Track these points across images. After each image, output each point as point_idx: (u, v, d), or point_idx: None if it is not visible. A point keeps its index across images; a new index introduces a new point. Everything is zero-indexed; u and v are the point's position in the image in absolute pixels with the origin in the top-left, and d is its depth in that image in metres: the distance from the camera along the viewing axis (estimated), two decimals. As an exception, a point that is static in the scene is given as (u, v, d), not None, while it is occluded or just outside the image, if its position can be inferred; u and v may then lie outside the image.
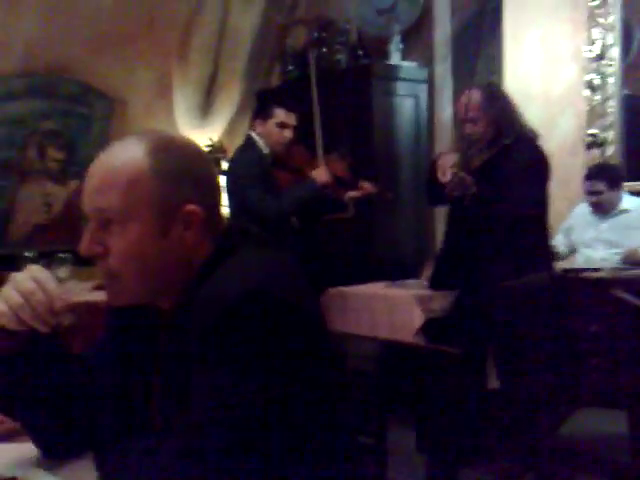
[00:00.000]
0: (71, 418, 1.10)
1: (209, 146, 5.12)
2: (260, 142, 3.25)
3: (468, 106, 2.83)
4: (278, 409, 0.90)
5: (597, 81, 4.17)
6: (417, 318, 3.10)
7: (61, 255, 3.61)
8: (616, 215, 3.42)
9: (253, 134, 3.30)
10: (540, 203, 2.78)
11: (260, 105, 3.38)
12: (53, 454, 1.12)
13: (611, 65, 4.15)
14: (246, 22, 4.95)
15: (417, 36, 4.23)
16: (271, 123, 3.21)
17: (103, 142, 4.89)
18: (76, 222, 4.86)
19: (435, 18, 4.16)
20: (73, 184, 4.82)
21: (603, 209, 3.43)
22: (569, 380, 2.47)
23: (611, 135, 4.04)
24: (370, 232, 3.98)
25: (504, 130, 2.83)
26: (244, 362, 0.89)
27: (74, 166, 4.79)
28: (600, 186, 3.37)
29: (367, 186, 3.30)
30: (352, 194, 3.31)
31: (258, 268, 1.01)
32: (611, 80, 4.12)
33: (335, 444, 1.02)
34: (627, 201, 3.45)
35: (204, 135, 5.24)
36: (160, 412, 1.00)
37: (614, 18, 4.14)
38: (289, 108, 3.24)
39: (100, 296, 3.49)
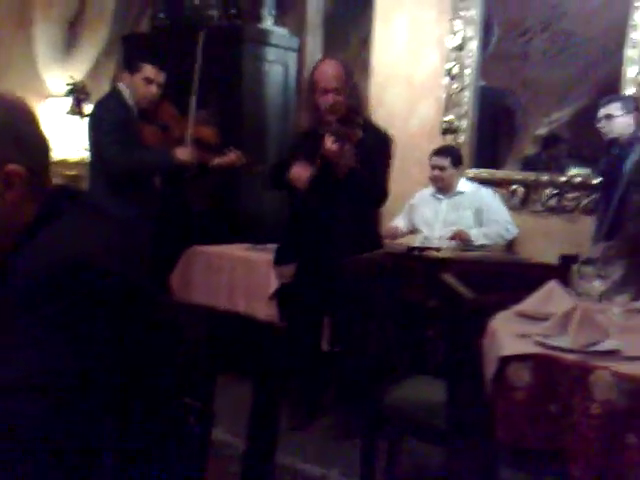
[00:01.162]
0: None
1: (70, 84, 4.92)
2: (125, 93, 3.22)
3: (333, 76, 2.82)
4: (94, 374, 0.95)
5: (456, 70, 4.36)
6: (273, 282, 3.27)
7: None
8: (453, 196, 3.73)
9: (120, 84, 3.26)
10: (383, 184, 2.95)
11: (129, 57, 3.30)
12: None
13: (470, 56, 4.36)
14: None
15: (291, 4, 4.28)
16: (138, 77, 3.20)
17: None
18: None
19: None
20: None
21: (443, 185, 3.72)
22: (399, 349, 2.73)
23: (465, 123, 4.27)
24: (237, 193, 4.03)
25: (358, 109, 2.85)
26: (62, 327, 0.93)
27: None
28: (445, 162, 3.67)
29: (235, 155, 3.35)
30: (218, 161, 3.35)
31: (81, 235, 1.02)
32: (468, 71, 4.29)
33: (155, 407, 1.09)
34: (463, 185, 3.78)
35: (66, 73, 5.02)
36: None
37: (475, 12, 4.35)
38: (159, 65, 3.23)
39: None
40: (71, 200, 1.08)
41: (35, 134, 1.07)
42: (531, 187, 4.04)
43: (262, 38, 4.14)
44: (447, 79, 4.29)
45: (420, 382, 2.43)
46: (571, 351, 1.64)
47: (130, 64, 3.27)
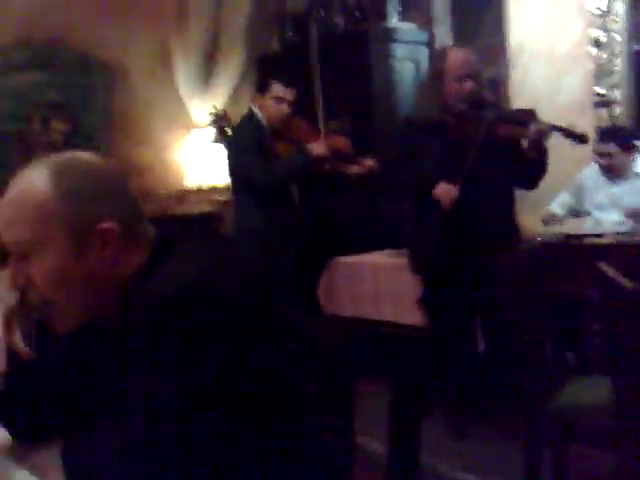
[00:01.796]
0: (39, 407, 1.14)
1: (212, 113, 5.11)
2: (259, 115, 3.28)
3: (469, 62, 2.83)
4: (222, 402, 0.93)
5: (603, 38, 4.04)
6: (417, 287, 3.14)
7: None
8: (631, 179, 3.31)
9: (253, 107, 3.33)
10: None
11: (259, 78, 3.37)
12: (24, 439, 1.17)
13: (617, 22, 4.02)
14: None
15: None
16: (268, 97, 3.25)
17: (107, 112, 4.92)
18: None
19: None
20: (78, 155, 4.87)
21: (614, 172, 3.32)
22: (561, 348, 2.49)
23: (618, 94, 3.93)
24: (374, 200, 3.96)
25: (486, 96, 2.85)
26: (185, 358, 0.92)
27: (78, 138, 4.82)
28: (611, 148, 3.27)
29: (370, 163, 3.30)
30: (355, 170, 3.32)
31: (193, 266, 1.02)
32: (617, 37, 3.99)
33: (295, 426, 1.05)
34: (638, 164, 3.33)
35: (208, 102, 5.23)
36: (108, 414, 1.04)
37: None
38: (287, 83, 3.25)
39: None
40: (176, 244, 1.09)
41: (118, 187, 1.09)
42: None
43: (388, 36, 4.05)
44: (594, 49, 3.97)
45: (585, 382, 2.19)
46: None
47: (260, 85, 3.33)
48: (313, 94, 3.36)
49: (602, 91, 4.02)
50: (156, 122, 5.18)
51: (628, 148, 3.29)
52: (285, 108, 3.24)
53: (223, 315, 0.96)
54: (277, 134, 3.30)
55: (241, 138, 3.25)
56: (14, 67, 4.34)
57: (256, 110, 3.29)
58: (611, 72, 4.00)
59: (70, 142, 4.79)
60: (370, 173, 3.33)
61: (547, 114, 3.90)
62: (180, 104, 5.25)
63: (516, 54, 4.16)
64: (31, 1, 4.20)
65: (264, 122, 3.27)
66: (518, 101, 4.07)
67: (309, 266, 3.63)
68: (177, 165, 5.31)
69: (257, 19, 4.94)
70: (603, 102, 3.98)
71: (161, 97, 5.12)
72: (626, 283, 1.64)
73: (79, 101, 4.74)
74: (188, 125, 5.29)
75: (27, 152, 4.63)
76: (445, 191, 2.75)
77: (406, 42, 4.09)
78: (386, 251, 3.59)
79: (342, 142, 3.40)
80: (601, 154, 3.30)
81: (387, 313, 3.32)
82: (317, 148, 3.21)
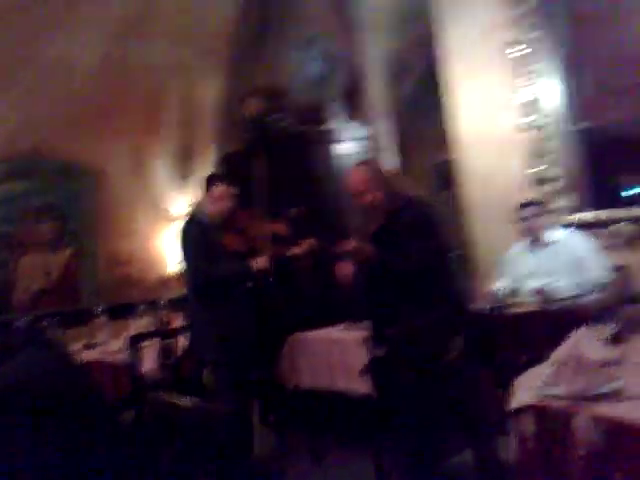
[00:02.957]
0: None
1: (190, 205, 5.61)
2: (202, 213, 3.58)
3: (358, 181, 3.16)
4: None
5: (533, 123, 4.39)
6: (363, 358, 3.50)
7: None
8: (548, 245, 3.75)
9: (198, 204, 3.68)
10: (436, 254, 3.12)
11: (204, 179, 3.72)
12: None
13: (542, 108, 4.43)
14: (211, 93, 5.45)
15: (355, 100, 4.66)
16: (210, 196, 3.57)
17: (91, 211, 5.42)
18: (74, 285, 5.38)
19: (367, 80, 4.59)
20: (67, 252, 5.34)
21: (535, 233, 3.75)
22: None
23: (553, 172, 4.29)
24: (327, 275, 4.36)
25: (391, 197, 3.13)
26: None
27: (67, 235, 5.32)
28: (534, 210, 3.75)
29: (308, 243, 3.65)
30: (294, 251, 3.66)
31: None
32: (544, 122, 4.34)
33: None
34: (557, 233, 3.78)
35: (186, 196, 5.74)
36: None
37: (538, 67, 4.42)
38: (228, 182, 3.60)
39: (87, 356, 3.95)
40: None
41: None
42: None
43: (330, 136, 4.55)
44: (529, 132, 4.34)
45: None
46: (567, 398, 1.73)
47: (203, 185, 3.65)
48: (258, 188, 3.71)
49: (539, 170, 4.36)
50: (139, 217, 5.68)
51: (544, 210, 3.79)
52: (227, 203, 3.55)
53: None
54: (223, 227, 3.59)
55: (187, 235, 3.51)
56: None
57: (199, 209, 3.61)
58: (544, 153, 4.32)
59: (61, 240, 5.29)
60: (310, 251, 3.65)
61: (492, 194, 4.35)
62: (158, 201, 5.76)
63: (460, 142, 4.60)
64: (11, 119, 4.70)
65: (208, 219, 3.55)
66: (466, 182, 4.52)
67: (268, 341, 3.97)
68: (160, 254, 5.78)
69: (221, 125, 5.49)
70: (541, 180, 4.32)
71: (141, 194, 5.64)
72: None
73: (65, 203, 5.24)
74: (167, 218, 5.78)
75: (22, 251, 5.12)
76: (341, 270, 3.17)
77: (346, 140, 4.59)
78: (343, 324, 3.91)
79: (280, 227, 3.74)
80: (524, 218, 3.74)
81: (341, 384, 3.65)
82: (259, 263, 3.51)
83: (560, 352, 2.10)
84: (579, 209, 4.21)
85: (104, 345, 4.13)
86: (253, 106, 4.89)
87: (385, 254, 3.04)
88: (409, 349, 3.07)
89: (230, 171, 4.98)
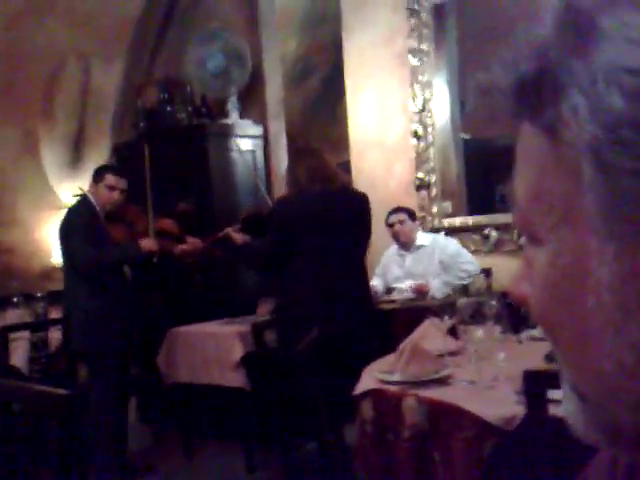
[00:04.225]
0: None
1: (76, 195, 5.43)
2: (92, 200, 3.60)
3: None
4: None
5: (421, 131, 4.71)
6: (237, 352, 3.53)
7: None
8: (416, 250, 3.96)
9: (87, 193, 3.65)
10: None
11: (95, 169, 3.72)
12: None
13: (429, 117, 4.71)
14: (108, 81, 5.33)
15: (253, 96, 4.69)
16: (101, 185, 3.58)
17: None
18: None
19: (266, 80, 4.64)
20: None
21: (405, 238, 3.94)
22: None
23: (434, 178, 4.60)
24: (213, 273, 4.35)
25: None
26: None
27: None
28: (402, 216, 3.94)
29: (193, 241, 3.67)
30: (180, 247, 3.68)
31: None
32: (430, 130, 4.67)
33: None
34: (423, 238, 4.00)
35: (75, 184, 5.55)
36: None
37: (430, 76, 4.70)
38: (119, 173, 3.64)
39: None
40: None
41: None
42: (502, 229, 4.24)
43: (226, 131, 4.54)
44: (414, 140, 4.62)
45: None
46: (400, 383, 1.80)
47: (94, 175, 3.65)
48: (148, 180, 3.72)
49: (421, 175, 4.67)
50: (23, 204, 5.45)
51: (414, 218, 4.00)
52: (117, 195, 3.59)
53: None
54: (110, 217, 3.62)
55: (74, 220, 3.50)
56: None
57: (90, 196, 3.61)
58: (427, 160, 4.66)
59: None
60: (195, 249, 3.69)
61: (382, 195, 4.51)
62: (47, 187, 5.55)
63: (354, 142, 4.78)
64: None
65: (98, 207, 3.58)
66: (359, 182, 4.56)
67: (148, 337, 3.92)
68: (44, 244, 5.57)
69: (121, 110, 5.38)
70: (422, 185, 4.63)
71: (27, 182, 5.41)
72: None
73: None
74: (56, 206, 5.58)
75: None
76: None
77: (243, 136, 4.59)
78: (223, 319, 3.94)
79: (168, 224, 3.79)
80: (393, 223, 3.91)
81: (215, 377, 3.65)
82: (147, 244, 3.52)
83: (404, 343, 2.18)
84: (454, 214, 4.51)
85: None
86: (150, 96, 4.81)
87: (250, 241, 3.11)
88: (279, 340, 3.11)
89: (121, 161, 4.91)
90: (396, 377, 1.81)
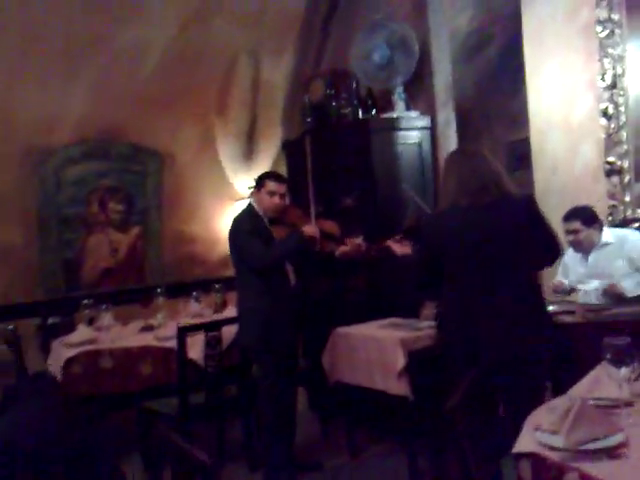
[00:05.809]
0: None
1: (251, 187, 5.61)
2: (257, 207, 3.69)
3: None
4: None
5: (611, 110, 4.19)
6: (400, 359, 3.44)
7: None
8: (599, 249, 3.58)
9: (251, 200, 3.76)
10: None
11: (257, 177, 3.79)
12: None
13: (622, 95, 4.17)
14: (277, 75, 5.40)
15: (420, 85, 4.48)
16: (263, 192, 3.66)
17: (158, 192, 5.54)
18: (139, 264, 5.54)
19: (433, 66, 4.39)
20: (134, 231, 5.50)
21: (582, 246, 3.58)
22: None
23: (627, 163, 4.08)
24: (377, 274, 4.29)
25: None
26: None
27: (134, 215, 5.47)
28: (576, 225, 3.55)
29: (356, 244, 3.62)
30: (342, 249, 3.66)
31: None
32: (623, 109, 4.12)
33: None
34: (608, 235, 3.59)
35: (250, 176, 5.75)
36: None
37: (622, 49, 4.15)
38: (278, 179, 3.70)
39: (143, 340, 4.08)
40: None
41: None
42: None
43: (390, 125, 4.39)
44: (603, 120, 4.14)
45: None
46: (562, 450, 1.60)
47: (256, 182, 3.74)
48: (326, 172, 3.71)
49: (612, 160, 4.16)
50: (204, 197, 5.76)
51: (591, 223, 3.56)
52: (278, 200, 3.65)
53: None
54: (273, 221, 3.69)
55: (240, 227, 3.62)
56: (72, 160, 5.03)
57: (254, 203, 3.71)
58: (619, 142, 4.13)
59: (127, 219, 5.45)
60: (357, 251, 3.64)
61: (565, 180, 4.13)
62: (224, 180, 5.81)
63: (534, 121, 4.37)
64: (85, 105, 4.85)
65: (261, 213, 3.67)
66: (539, 163, 4.31)
67: (312, 337, 3.94)
68: (223, 233, 5.84)
69: (290, 103, 5.45)
70: (613, 170, 4.13)
71: (207, 175, 5.70)
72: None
73: (132, 184, 5.38)
74: (233, 197, 5.83)
75: (89, 230, 5.31)
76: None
77: (408, 128, 4.41)
78: (388, 320, 3.89)
79: (330, 225, 3.77)
80: (568, 232, 3.54)
81: (378, 382, 3.60)
82: (308, 229, 3.59)
83: (576, 390, 1.95)
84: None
85: (159, 329, 4.24)
86: (316, 90, 4.79)
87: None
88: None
89: (290, 156, 4.97)
90: (559, 442, 1.60)
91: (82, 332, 4.16)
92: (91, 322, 4.37)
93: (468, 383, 2.00)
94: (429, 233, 2.77)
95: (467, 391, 1.92)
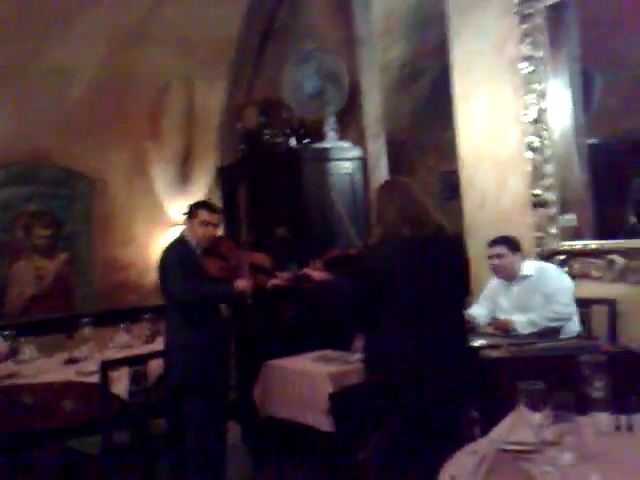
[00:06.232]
0: None
1: (185, 213, 5.54)
2: (188, 237, 3.62)
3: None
4: None
5: (537, 144, 4.25)
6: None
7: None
8: (522, 280, 3.63)
9: (183, 230, 3.69)
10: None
11: (189, 206, 3.73)
12: None
13: (546, 129, 4.24)
14: (211, 102, 5.37)
15: (351, 116, 4.52)
16: (195, 222, 3.60)
17: (87, 217, 5.40)
18: (67, 291, 5.38)
19: (364, 99, 4.44)
20: (61, 257, 5.34)
21: (505, 272, 3.64)
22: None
23: (552, 196, 4.12)
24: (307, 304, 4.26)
25: None
26: None
27: (61, 241, 5.31)
28: (502, 249, 3.61)
29: (285, 276, 3.59)
30: (273, 282, 3.62)
31: None
32: (548, 143, 4.19)
33: None
34: (529, 267, 3.65)
35: (184, 202, 5.67)
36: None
37: (545, 85, 4.23)
38: (211, 209, 3.64)
39: (65, 374, 3.93)
40: None
41: None
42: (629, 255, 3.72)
43: (322, 155, 4.40)
44: (530, 153, 4.18)
45: None
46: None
47: (188, 212, 3.68)
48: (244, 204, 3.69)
49: (538, 192, 4.23)
50: (137, 222, 5.65)
51: (515, 250, 3.62)
52: (211, 230, 3.60)
53: None
54: (205, 252, 3.64)
55: (170, 259, 3.55)
56: (-3, 184, 4.87)
57: (185, 233, 3.65)
58: (545, 175, 4.17)
59: (54, 245, 5.29)
60: (287, 284, 3.59)
61: (493, 212, 4.19)
62: (158, 205, 5.72)
63: (463, 153, 4.45)
64: (9, 126, 4.70)
65: (193, 243, 3.61)
66: (468, 195, 4.38)
67: (245, 369, 3.88)
68: (157, 259, 5.73)
69: (223, 133, 5.41)
70: (540, 203, 4.20)
71: (140, 200, 5.60)
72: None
73: (60, 209, 5.23)
74: (167, 222, 5.74)
75: (13, 257, 5.13)
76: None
77: (340, 159, 4.43)
78: (319, 352, 3.85)
79: (261, 258, 3.75)
80: (491, 256, 3.62)
81: (309, 418, 3.56)
82: (240, 283, 3.52)
83: (496, 432, 1.96)
84: (577, 236, 4.02)
85: (83, 362, 4.10)
86: (250, 118, 4.78)
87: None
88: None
89: (225, 182, 4.93)
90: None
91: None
92: (14, 355, 4.21)
93: (382, 435, 1.99)
94: (373, 261, 2.72)
95: (378, 444, 1.90)
